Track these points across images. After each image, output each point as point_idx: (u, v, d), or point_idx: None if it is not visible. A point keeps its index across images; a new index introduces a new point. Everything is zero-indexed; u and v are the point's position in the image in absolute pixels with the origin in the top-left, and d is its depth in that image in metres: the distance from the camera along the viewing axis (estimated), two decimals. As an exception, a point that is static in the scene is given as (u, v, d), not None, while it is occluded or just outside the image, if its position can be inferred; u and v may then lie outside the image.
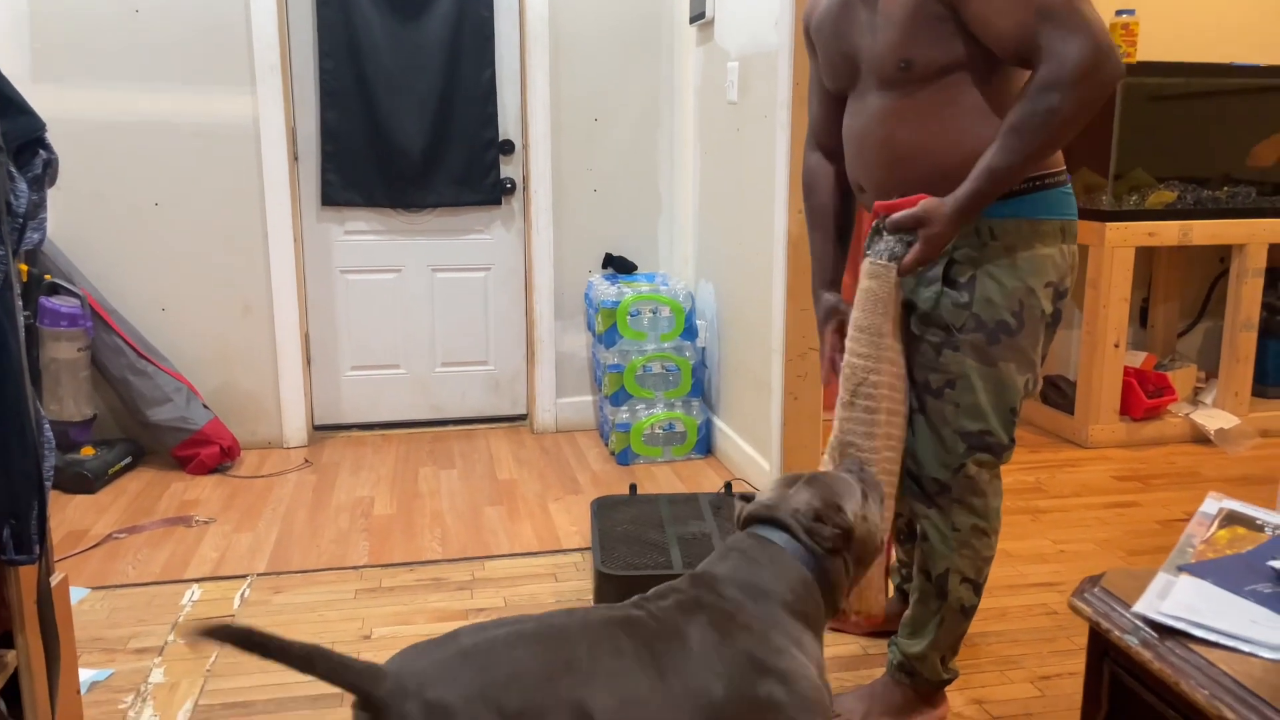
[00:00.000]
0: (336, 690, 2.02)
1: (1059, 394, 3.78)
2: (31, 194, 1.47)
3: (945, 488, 1.75)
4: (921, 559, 1.81)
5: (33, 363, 3.06)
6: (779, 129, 2.79)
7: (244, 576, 2.54)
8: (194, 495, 3.12)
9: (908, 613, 1.87)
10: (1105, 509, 2.99)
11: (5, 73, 1.60)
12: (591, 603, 2.38)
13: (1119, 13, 3.50)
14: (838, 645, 2.19)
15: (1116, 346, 3.51)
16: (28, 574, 1.42)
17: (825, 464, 1.78)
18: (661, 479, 3.28)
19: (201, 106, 3.36)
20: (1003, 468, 2.84)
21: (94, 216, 3.35)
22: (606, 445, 3.59)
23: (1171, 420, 3.65)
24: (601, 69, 3.63)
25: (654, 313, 3.46)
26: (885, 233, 1.66)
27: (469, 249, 3.76)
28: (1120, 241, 3.45)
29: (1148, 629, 1.02)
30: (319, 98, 3.51)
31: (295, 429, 3.60)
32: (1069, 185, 1.72)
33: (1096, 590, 1.09)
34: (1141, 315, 4.15)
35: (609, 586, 2.32)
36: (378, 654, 2.16)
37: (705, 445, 3.51)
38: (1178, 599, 1.05)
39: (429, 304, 3.76)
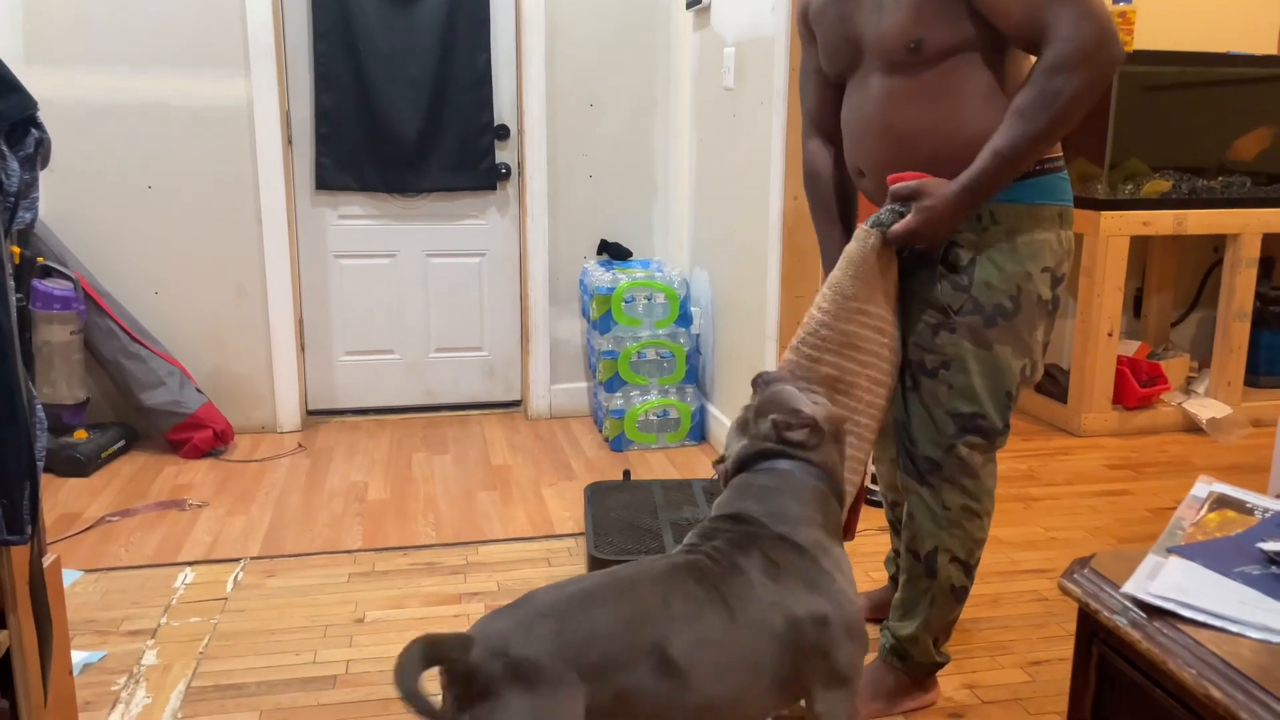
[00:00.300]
0: (329, 673, 2.02)
1: (1052, 382, 3.79)
2: (23, 173, 1.46)
3: (937, 466, 1.75)
4: (910, 538, 1.82)
5: (25, 345, 3.05)
6: (775, 115, 2.78)
7: (237, 560, 2.54)
8: (187, 479, 3.12)
9: (898, 595, 1.88)
10: (1097, 497, 3.00)
11: (-4, 51, 1.59)
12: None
13: (1116, 0, 3.50)
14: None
15: (1110, 335, 3.52)
16: (20, 555, 1.42)
17: None
18: (655, 465, 3.29)
19: (195, 89, 3.34)
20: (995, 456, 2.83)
21: (87, 199, 3.34)
22: (600, 431, 3.60)
23: (1164, 409, 3.66)
24: (597, 54, 3.62)
25: (648, 299, 3.46)
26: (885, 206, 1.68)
27: (464, 234, 3.75)
28: (1115, 230, 3.45)
29: (1136, 609, 1.03)
30: (313, 81, 3.50)
31: (289, 414, 3.60)
32: (1065, 171, 1.73)
33: (1086, 571, 1.10)
34: (1135, 304, 4.15)
35: (602, 571, 2.32)
36: (370, 638, 2.17)
37: (699, 432, 3.52)
38: (1166, 580, 1.05)
39: (423, 289, 3.75)
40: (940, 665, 1.89)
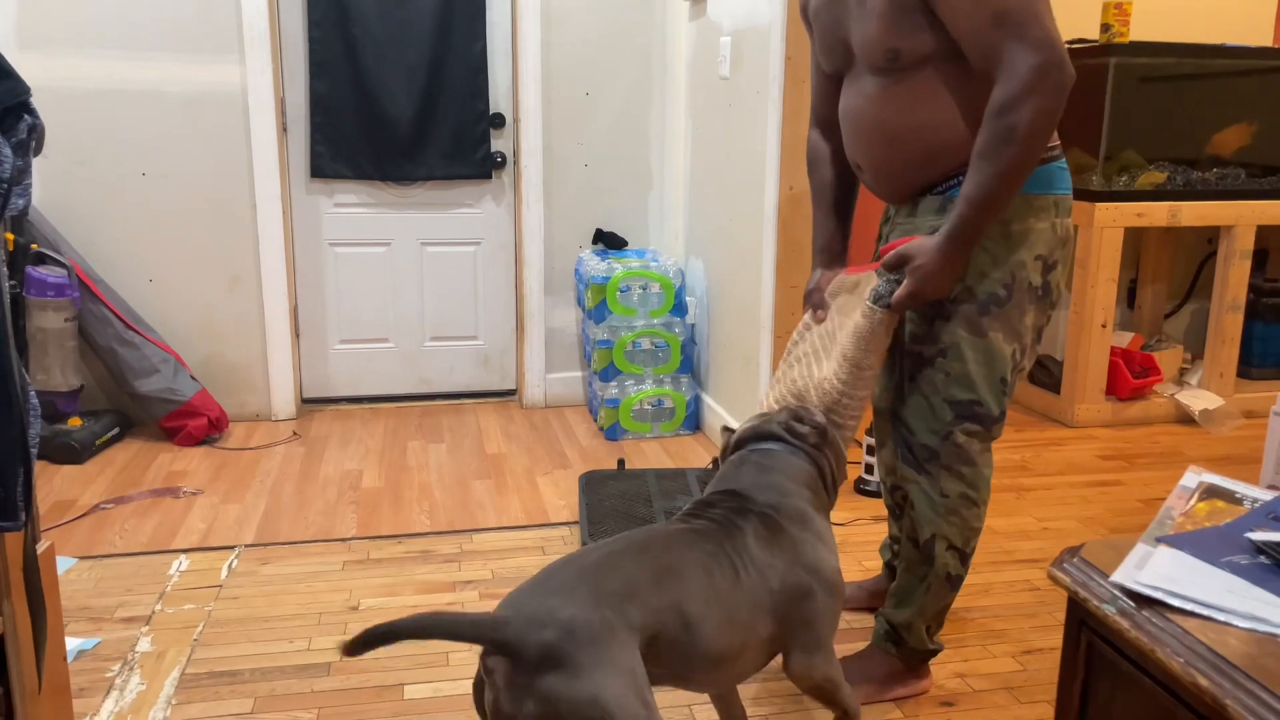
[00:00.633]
0: (323, 660, 2.03)
1: (1046, 373, 3.80)
2: (16, 159, 1.46)
3: (934, 454, 1.76)
4: (910, 526, 1.84)
5: (19, 332, 3.05)
6: (771, 105, 2.78)
7: (232, 548, 2.55)
8: (181, 466, 3.12)
9: (895, 582, 1.89)
10: (1089, 487, 3.01)
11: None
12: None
13: (1112, -8, 3.49)
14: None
15: (1104, 327, 3.53)
16: (13, 541, 1.42)
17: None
18: (650, 454, 3.30)
19: (189, 75, 3.33)
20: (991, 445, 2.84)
21: (81, 186, 3.33)
22: (595, 421, 3.60)
23: (1157, 400, 3.68)
24: (593, 42, 3.61)
25: (644, 289, 3.46)
26: (879, 276, 1.73)
27: (459, 223, 3.74)
28: (1109, 222, 3.46)
29: (1125, 598, 1.04)
30: (308, 68, 3.48)
31: (283, 401, 3.59)
32: (1064, 160, 1.74)
33: (1075, 560, 1.11)
34: (1129, 296, 4.16)
35: (596, 559, 2.33)
36: (364, 625, 2.17)
37: (694, 421, 3.52)
38: (1155, 569, 1.06)
39: (418, 278, 3.75)
40: (934, 653, 1.91)
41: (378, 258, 3.70)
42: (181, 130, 3.36)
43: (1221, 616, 0.99)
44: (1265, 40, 4.09)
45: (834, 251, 1.95)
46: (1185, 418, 3.66)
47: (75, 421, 3.19)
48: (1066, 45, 3.61)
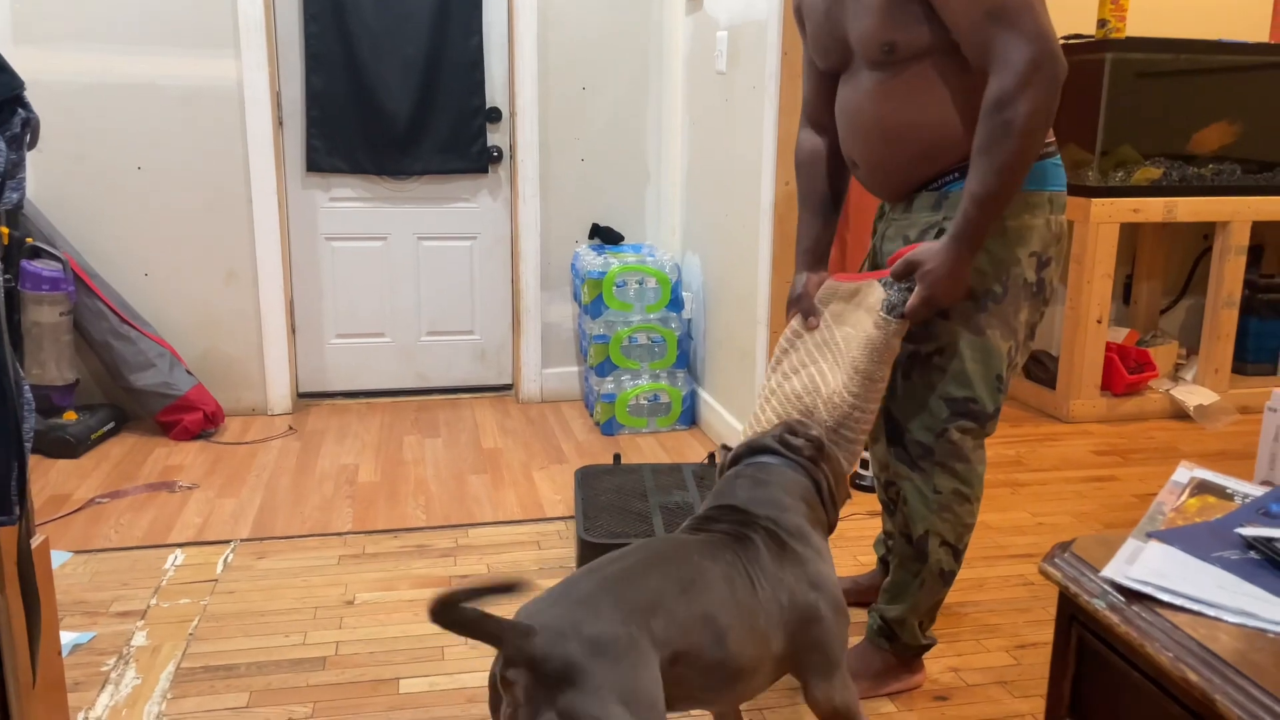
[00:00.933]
0: (319, 654, 2.03)
1: (1041, 369, 3.81)
2: (10, 153, 1.45)
3: (928, 451, 1.77)
4: (902, 522, 1.84)
5: (14, 327, 3.04)
6: (767, 100, 2.78)
7: (227, 542, 2.55)
8: (177, 461, 3.12)
9: (889, 578, 1.90)
10: (1084, 482, 3.02)
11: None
12: (574, 571, 2.40)
13: (1109, -13, 3.49)
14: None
15: (1099, 322, 3.54)
16: (8, 535, 1.42)
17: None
18: (646, 449, 3.30)
19: (185, 68, 3.32)
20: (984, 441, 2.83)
21: (76, 180, 3.32)
22: (591, 415, 3.60)
23: (1152, 396, 3.68)
24: (590, 37, 3.60)
25: (640, 284, 3.46)
26: (886, 285, 1.70)
27: (455, 217, 3.74)
28: (1105, 217, 3.46)
29: (1115, 593, 1.04)
30: (304, 61, 3.48)
31: (279, 396, 3.59)
32: (1058, 157, 1.75)
33: (1066, 555, 1.11)
34: (1125, 291, 4.17)
35: (592, 555, 2.33)
36: (360, 620, 2.18)
37: (690, 416, 3.53)
38: (1146, 564, 1.06)
39: (415, 272, 3.75)
40: (926, 648, 1.91)
41: (374, 252, 3.70)
42: (177, 124, 3.35)
43: (1211, 612, 1.00)
44: (1262, 36, 4.09)
45: (819, 254, 1.94)
46: (1180, 413, 3.67)
47: (70, 416, 3.19)
48: (1063, 40, 3.63)
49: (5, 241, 3.01)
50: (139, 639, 2.08)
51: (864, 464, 2.90)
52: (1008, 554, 2.52)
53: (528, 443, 3.35)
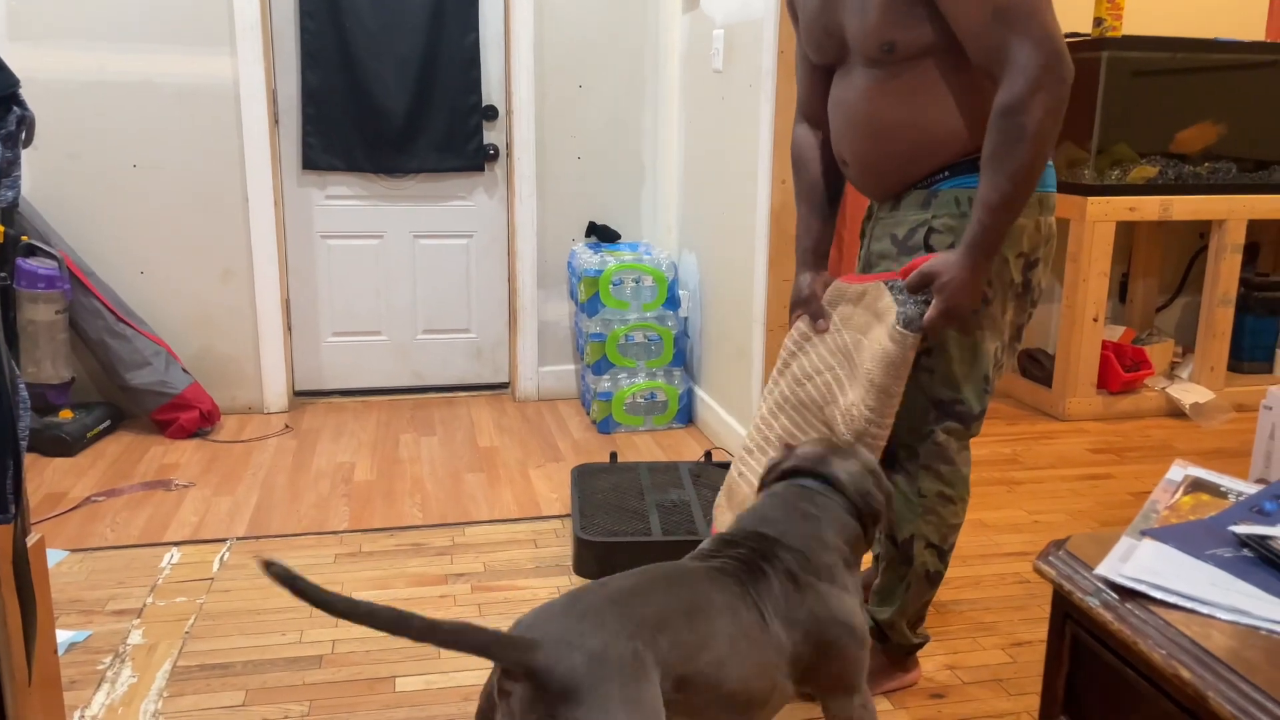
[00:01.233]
0: (315, 653, 2.03)
1: (1037, 367, 3.81)
2: (5, 151, 1.45)
3: (914, 453, 1.77)
4: (887, 525, 1.84)
5: (9, 325, 3.04)
6: (763, 98, 2.78)
7: (223, 540, 2.55)
8: (173, 459, 3.11)
9: (877, 580, 1.90)
10: (1080, 480, 3.02)
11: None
12: (571, 570, 2.40)
13: (1105, -14, 3.50)
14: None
15: (1095, 320, 3.54)
16: (3, 533, 1.42)
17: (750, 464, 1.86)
18: (642, 447, 3.30)
19: (180, 66, 3.32)
20: (980, 439, 2.86)
21: (71, 178, 3.32)
22: (588, 414, 3.60)
23: (1148, 394, 3.69)
24: (586, 35, 3.60)
25: (636, 282, 3.46)
26: (898, 295, 1.67)
27: (451, 215, 3.74)
28: (1101, 216, 3.47)
29: (1109, 591, 1.04)
30: (300, 59, 3.47)
31: (276, 394, 3.59)
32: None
33: (1061, 553, 1.11)
34: (1121, 290, 4.18)
35: (588, 553, 2.34)
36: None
37: (686, 414, 3.53)
38: (1139, 562, 1.07)
39: (411, 270, 3.74)
40: (918, 646, 1.92)
41: (370, 250, 3.70)
42: (173, 122, 3.35)
43: (1204, 609, 1.00)
44: (1258, 35, 4.10)
45: (821, 253, 1.91)
46: (1176, 411, 3.68)
47: (66, 414, 3.18)
48: (1059, 39, 3.62)
49: (1, 240, 3.00)
50: (135, 637, 2.08)
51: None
52: (1003, 552, 2.53)
53: (524, 441, 3.35)
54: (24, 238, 3.10)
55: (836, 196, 1.95)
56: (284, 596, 2.26)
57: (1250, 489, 1.23)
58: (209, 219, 3.44)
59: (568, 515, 2.71)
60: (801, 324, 1.86)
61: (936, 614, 2.20)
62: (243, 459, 3.13)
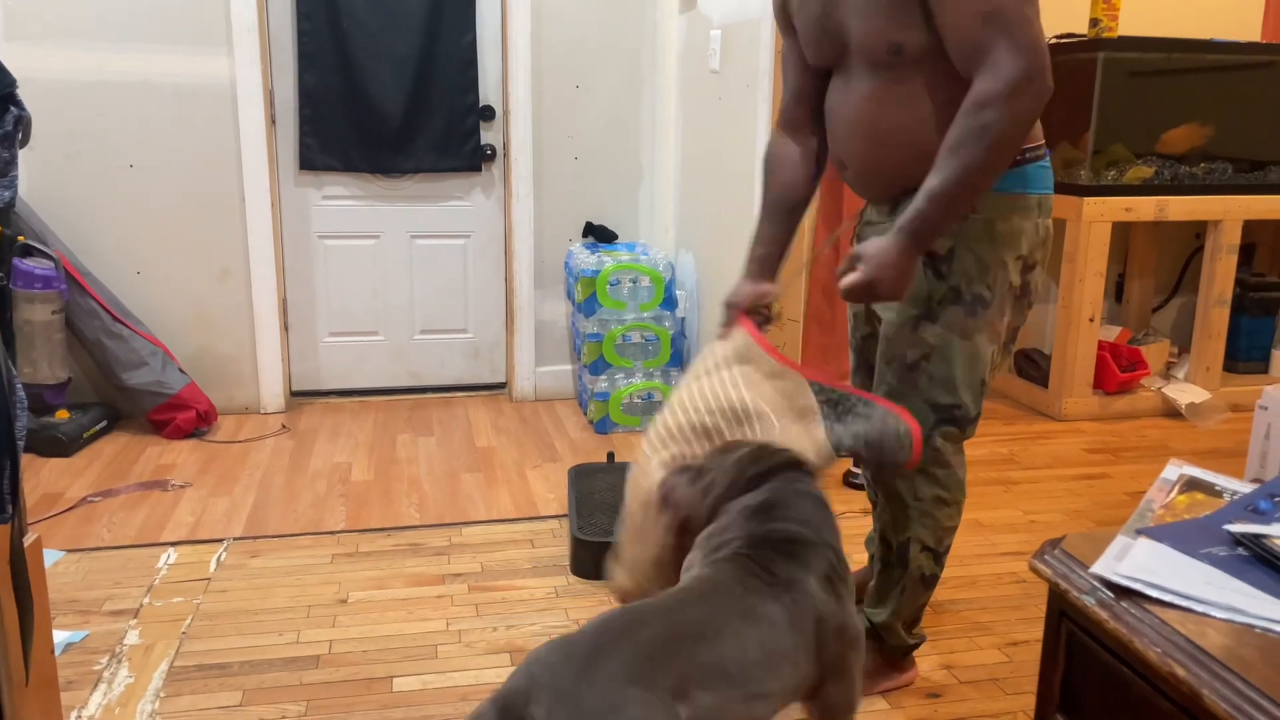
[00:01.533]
0: (312, 653, 2.03)
1: (1034, 367, 3.82)
2: (2, 151, 1.46)
3: None
4: (883, 527, 1.84)
5: (6, 325, 3.04)
6: (760, 98, 2.78)
7: (220, 540, 2.55)
8: (170, 459, 3.11)
9: (873, 581, 1.90)
10: (1076, 480, 3.03)
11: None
12: (568, 569, 2.40)
13: (1101, -14, 3.50)
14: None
15: (1091, 320, 3.55)
16: (0, 534, 1.42)
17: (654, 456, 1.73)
18: (639, 447, 3.30)
19: (177, 67, 3.32)
20: (977, 439, 2.86)
21: (68, 178, 3.31)
22: (585, 414, 3.61)
23: (1144, 394, 3.70)
24: (584, 35, 3.60)
25: (634, 282, 3.46)
26: (826, 406, 1.60)
27: (448, 216, 3.74)
28: (1097, 216, 3.47)
29: (1104, 589, 1.05)
30: (297, 59, 3.47)
31: (273, 394, 3.59)
32: (1047, 160, 1.73)
33: (1056, 552, 1.12)
34: (1117, 290, 4.18)
35: (585, 553, 2.34)
36: (353, 618, 2.18)
37: (683, 415, 3.53)
38: (1134, 561, 1.07)
39: (408, 271, 3.74)
40: (914, 646, 1.92)
41: (367, 250, 3.70)
42: (170, 122, 3.35)
43: (1199, 608, 1.00)
44: (1253, 35, 4.11)
45: (770, 265, 1.84)
46: (1172, 411, 3.68)
47: (63, 414, 3.18)
48: (1054, 40, 3.64)
49: (-3, 240, 3.00)
50: (132, 638, 2.08)
51: (856, 462, 2.91)
52: (999, 551, 2.53)
53: (521, 441, 3.35)
54: (20, 238, 3.10)
55: (802, 209, 1.89)
56: (281, 596, 2.26)
57: (1245, 488, 1.24)
58: (206, 219, 3.44)
59: (565, 515, 2.71)
60: (721, 347, 1.75)
61: (932, 614, 2.20)
62: (240, 459, 3.13)
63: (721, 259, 3.22)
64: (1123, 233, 4.07)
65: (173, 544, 2.52)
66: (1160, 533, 1.13)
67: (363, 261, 3.70)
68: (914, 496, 1.78)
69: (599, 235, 3.70)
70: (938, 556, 1.83)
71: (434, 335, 3.83)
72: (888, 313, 1.77)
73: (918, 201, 1.53)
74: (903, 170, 1.70)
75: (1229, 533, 1.12)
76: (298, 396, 3.76)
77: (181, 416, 3.27)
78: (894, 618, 1.86)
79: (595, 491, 2.60)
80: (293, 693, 1.90)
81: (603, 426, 3.44)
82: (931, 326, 1.71)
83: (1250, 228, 3.95)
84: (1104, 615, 1.02)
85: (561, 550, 2.51)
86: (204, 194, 3.42)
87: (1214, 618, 0.99)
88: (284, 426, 3.45)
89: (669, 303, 3.52)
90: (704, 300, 3.42)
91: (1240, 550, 1.09)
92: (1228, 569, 1.06)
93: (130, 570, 2.38)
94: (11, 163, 1.47)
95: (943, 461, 1.76)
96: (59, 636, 2.05)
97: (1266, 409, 2.75)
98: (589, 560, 2.33)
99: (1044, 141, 1.73)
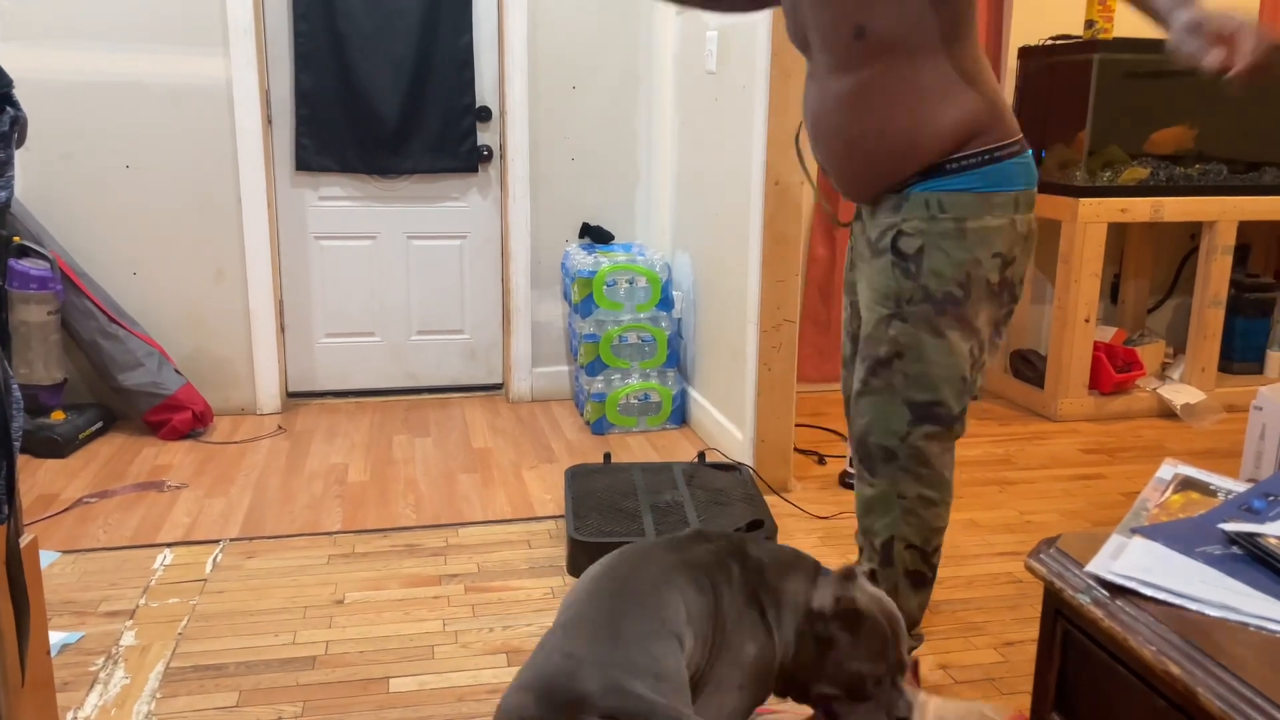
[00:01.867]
0: (308, 654, 2.03)
1: (1029, 368, 3.82)
2: (-3, 151, 1.45)
3: (892, 456, 1.76)
4: (865, 527, 1.84)
5: (1, 326, 3.03)
6: (757, 100, 2.79)
7: (216, 541, 2.54)
8: (166, 460, 3.11)
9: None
10: (1072, 480, 3.04)
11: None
12: (565, 570, 2.41)
13: (1096, -12, 3.51)
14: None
15: (1087, 321, 3.56)
16: (-4, 534, 1.41)
17: None
18: (636, 448, 3.30)
19: (173, 67, 3.31)
20: (973, 440, 2.86)
21: (64, 178, 3.31)
22: (582, 415, 3.61)
23: (1139, 395, 3.71)
24: (580, 36, 3.61)
25: (630, 283, 3.46)
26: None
27: (445, 217, 3.74)
28: (1093, 217, 3.48)
29: (1099, 588, 1.05)
30: (293, 60, 3.47)
31: (269, 395, 3.59)
32: (1026, 154, 1.71)
33: (1052, 551, 1.12)
34: (1112, 291, 4.19)
35: (582, 554, 2.34)
36: (350, 619, 2.18)
37: (680, 415, 3.53)
38: (1130, 559, 1.07)
39: (404, 271, 3.74)
40: (913, 647, 1.92)
41: (363, 251, 3.70)
42: (166, 123, 3.34)
43: (1194, 606, 1.01)
44: (1248, 37, 4.11)
45: None
46: (1167, 412, 3.69)
47: (58, 415, 3.18)
48: (1050, 41, 3.64)
49: (-8, 240, 3.00)
50: (128, 639, 2.08)
51: (851, 461, 2.91)
52: (996, 551, 2.53)
53: (518, 442, 3.35)
54: (16, 238, 3.09)
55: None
56: (277, 597, 2.26)
57: (1240, 487, 1.24)
58: (202, 220, 3.43)
59: (561, 516, 2.71)
60: None
61: (928, 613, 2.20)
62: (236, 460, 3.13)
63: (718, 260, 3.22)
64: (1118, 234, 4.08)
65: (169, 545, 2.52)
66: (1155, 532, 1.13)
67: (359, 262, 3.70)
68: (898, 495, 1.77)
69: (595, 236, 3.70)
70: (925, 555, 1.82)
71: (430, 336, 3.83)
72: (866, 311, 1.77)
73: None
74: (876, 174, 1.69)
75: (1223, 531, 1.12)
76: (294, 397, 3.76)
77: (177, 417, 3.27)
78: None
79: (592, 492, 2.60)
80: (289, 693, 1.90)
81: (599, 427, 3.44)
82: (902, 325, 1.70)
83: (1245, 229, 3.96)
84: (1099, 614, 1.02)
85: (558, 551, 2.51)
86: (200, 195, 3.41)
87: (1209, 616, 1.00)
88: (280, 427, 3.45)
89: (665, 303, 3.52)
90: (700, 301, 3.43)
91: (1235, 549, 1.10)
92: (1222, 567, 1.07)
93: (126, 571, 2.37)
94: (7, 163, 1.46)
95: (926, 461, 1.76)
96: (55, 637, 2.05)
97: (1261, 409, 2.75)
98: (585, 561, 2.33)
99: (1021, 137, 1.71)
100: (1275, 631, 0.96)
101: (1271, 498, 1.18)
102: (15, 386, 1.41)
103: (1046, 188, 3.62)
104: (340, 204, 3.64)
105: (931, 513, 1.79)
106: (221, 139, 3.39)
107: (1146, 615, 1.00)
